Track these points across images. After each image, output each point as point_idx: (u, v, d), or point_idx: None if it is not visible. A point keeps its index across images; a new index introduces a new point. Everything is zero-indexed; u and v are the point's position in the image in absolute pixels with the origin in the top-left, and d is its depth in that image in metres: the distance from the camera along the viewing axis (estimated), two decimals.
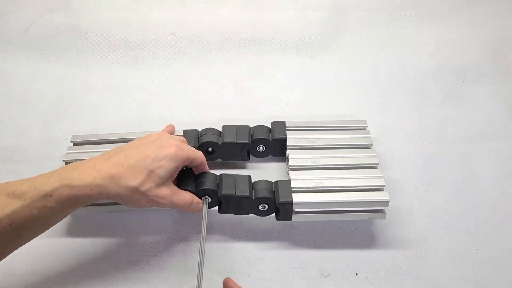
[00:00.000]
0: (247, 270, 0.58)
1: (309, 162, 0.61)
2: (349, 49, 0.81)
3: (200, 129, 0.66)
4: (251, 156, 0.67)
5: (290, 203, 0.56)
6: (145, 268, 0.58)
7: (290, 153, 0.62)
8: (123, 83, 0.77)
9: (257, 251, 0.60)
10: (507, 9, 0.85)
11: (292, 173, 0.60)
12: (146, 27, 0.82)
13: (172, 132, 0.65)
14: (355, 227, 0.62)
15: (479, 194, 0.65)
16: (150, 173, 0.50)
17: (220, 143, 0.64)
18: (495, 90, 0.76)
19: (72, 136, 0.67)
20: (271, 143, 0.64)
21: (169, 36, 0.82)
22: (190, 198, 0.55)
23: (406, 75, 0.78)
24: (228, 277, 0.53)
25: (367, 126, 0.66)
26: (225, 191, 0.56)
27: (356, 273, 0.58)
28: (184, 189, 0.56)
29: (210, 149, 0.65)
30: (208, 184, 0.57)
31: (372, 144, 0.63)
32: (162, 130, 0.65)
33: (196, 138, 0.64)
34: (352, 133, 0.65)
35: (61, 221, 0.61)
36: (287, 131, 0.64)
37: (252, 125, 0.66)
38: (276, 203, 0.57)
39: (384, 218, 0.58)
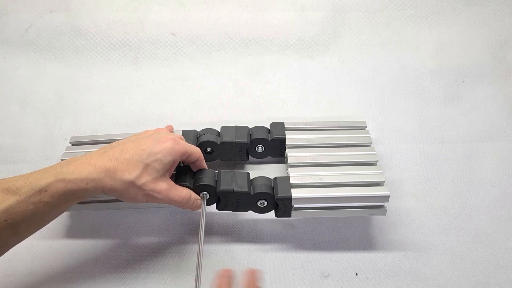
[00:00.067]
0: None
1: (308, 160, 0.61)
2: (349, 49, 0.81)
3: (199, 129, 0.66)
4: (250, 156, 0.67)
5: (289, 199, 0.56)
6: (144, 268, 0.58)
7: (289, 151, 0.62)
8: (123, 83, 0.77)
9: (257, 251, 0.60)
10: (507, 9, 0.85)
11: (291, 170, 0.59)
12: (146, 27, 0.82)
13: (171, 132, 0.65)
14: (355, 227, 0.62)
15: (479, 194, 0.65)
16: (146, 166, 0.50)
17: (219, 142, 0.64)
18: (495, 90, 0.76)
19: (71, 137, 0.67)
20: (270, 143, 0.64)
21: (169, 36, 0.82)
22: (187, 194, 0.54)
23: (406, 75, 0.78)
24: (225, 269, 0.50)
25: (366, 127, 0.66)
26: (224, 186, 0.56)
27: (356, 273, 0.58)
28: (182, 185, 0.55)
29: (209, 149, 0.65)
30: (206, 180, 0.56)
31: (371, 143, 0.63)
32: None
33: (195, 138, 0.64)
34: (352, 133, 0.65)
35: (60, 222, 0.62)
36: (286, 131, 0.64)
37: (251, 125, 0.66)
38: (275, 198, 0.56)
39: (385, 214, 0.58)
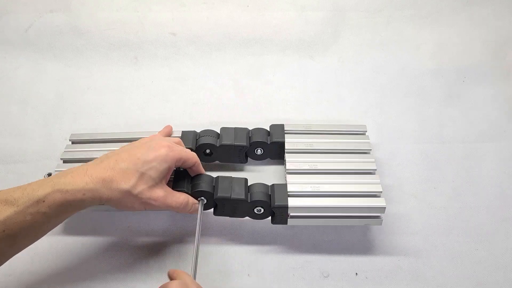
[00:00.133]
0: (247, 270, 0.58)
1: (306, 166, 0.61)
2: (349, 49, 0.81)
3: (199, 130, 0.66)
4: (249, 158, 0.67)
5: (286, 207, 0.56)
6: (143, 268, 0.58)
7: (287, 157, 0.62)
8: (123, 83, 0.77)
9: (257, 251, 0.60)
10: (507, 9, 0.85)
11: (289, 176, 0.59)
12: (146, 27, 0.82)
13: (169, 133, 0.65)
14: (354, 227, 0.62)
15: (479, 194, 0.65)
16: (142, 175, 0.51)
17: (218, 145, 0.64)
18: (495, 90, 0.76)
19: (71, 134, 0.67)
20: (269, 146, 0.64)
21: (169, 36, 0.82)
22: (185, 199, 0.55)
23: (406, 75, 0.78)
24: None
25: (366, 131, 0.66)
26: (221, 193, 0.56)
27: (356, 273, 0.58)
28: (180, 191, 0.56)
29: (208, 151, 0.65)
30: (204, 186, 0.57)
31: (370, 150, 0.63)
32: (160, 131, 0.65)
33: (194, 140, 0.64)
34: (351, 138, 0.65)
35: None
36: (285, 134, 0.64)
37: (251, 125, 0.66)
38: (271, 207, 0.57)
39: (381, 224, 0.58)
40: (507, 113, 0.74)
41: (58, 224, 0.50)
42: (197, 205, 0.57)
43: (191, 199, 0.56)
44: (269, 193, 0.58)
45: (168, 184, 0.56)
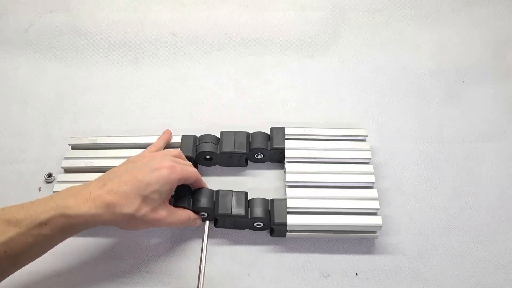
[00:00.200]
0: (247, 270, 0.58)
1: (306, 179, 0.62)
2: (349, 49, 0.81)
3: (199, 130, 0.66)
4: (249, 161, 0.67)
5: (285, 225, 0.58)
6: (145, 269, 0.58)
7: (287, 167, 0.63)
8: (123, 83, 0.77)
9: (257, 251, 0.60)
10: (507, 9, 0.85)
11: (288, 190, 0.61)
12: (146, 27, 0.82)
13: (169, 139, 0.65)
14: None
15: (479, 194, 0.65)
16: (145, 198, 0.51)
17: (218, 152, 0.64)
18: (495, 90, 0.76)
19: (70, 138, 0.67)
20: (270, 151, 0.65)
21: (169, 36, 0.82)
22: (186, 216, 0.56)
23: (406, 75, 0.78)
24: None
25: (367, 136, 0.66)
26: (221, 210, 0.58)
27: (356, 273, 0.58)
28: (181, 207, 0.57)
29: (208, 156, 0.65)
30: (205, 203, 0.58)
31: (370, 159, 0.64)
32: (159, 137, 0.64)
33: (194, 146, 0.64)
34: (351, 145, 0.65)
35: None
36: (286, 140, 0.64)
37: (251, 125, 0.66)
38: (271, 224, 0.58)
39: (376, 238, 0.60)
40: (507, 113, 0.74)
41: (59, 242, 0.50)
42: (198, 219, 0.58)
43: (192, 215, 0.57)
44: (269, 209, 0.59)
45: (169, 200, 0.56)
